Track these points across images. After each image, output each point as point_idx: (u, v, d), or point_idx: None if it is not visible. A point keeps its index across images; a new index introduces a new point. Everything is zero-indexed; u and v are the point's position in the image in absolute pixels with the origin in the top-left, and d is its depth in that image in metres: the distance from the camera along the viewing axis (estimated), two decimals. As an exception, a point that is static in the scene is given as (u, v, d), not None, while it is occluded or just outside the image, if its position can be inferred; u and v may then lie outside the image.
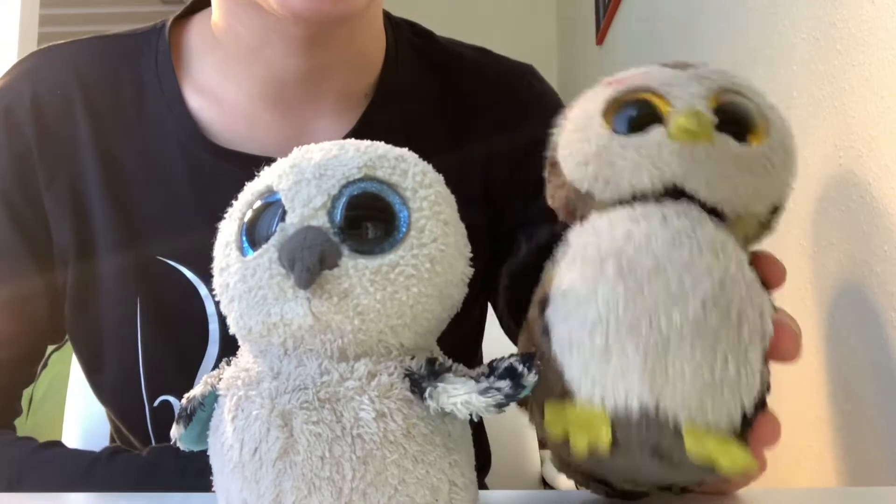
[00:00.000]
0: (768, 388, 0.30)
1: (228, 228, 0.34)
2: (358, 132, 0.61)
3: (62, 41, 0.65)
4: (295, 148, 0.37)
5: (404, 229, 0.30)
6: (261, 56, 0.59)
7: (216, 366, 0.58)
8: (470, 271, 0.33)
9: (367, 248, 0.30)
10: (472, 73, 0.68)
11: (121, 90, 0.62)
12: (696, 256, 0.28)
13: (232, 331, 0.34)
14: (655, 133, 0.29)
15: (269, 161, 0.60)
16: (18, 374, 0.65)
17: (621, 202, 0.30)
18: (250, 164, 0.60)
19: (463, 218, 0.36)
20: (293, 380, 0.30)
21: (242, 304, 0.31)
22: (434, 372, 0.30)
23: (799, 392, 0.87)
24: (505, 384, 0.29)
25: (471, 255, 0.33)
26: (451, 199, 0.33)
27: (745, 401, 0.28)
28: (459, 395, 0.29)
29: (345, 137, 0.60)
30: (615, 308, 0.27)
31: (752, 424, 0.29)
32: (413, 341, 0.31)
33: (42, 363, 0.67)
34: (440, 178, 0.33)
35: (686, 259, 0.28)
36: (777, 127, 0.32)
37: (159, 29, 0.64)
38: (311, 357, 0.31)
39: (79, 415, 0.91)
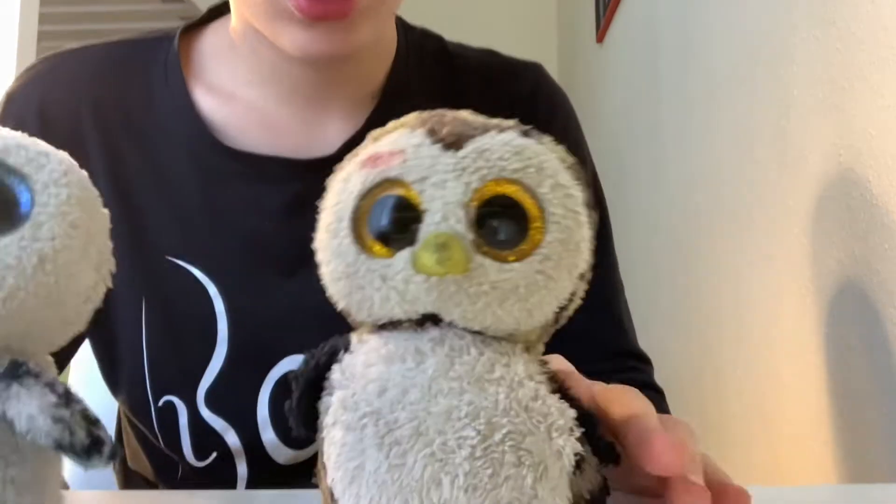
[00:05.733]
0: (604, 488, 0.27)
1: None
2: (365, 132, 0.62)
3: (72, 46, 0.66)
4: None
5: (23, 221, 0.28)
6: (278, 67, 0.61)
7: (224, 368, 0.58)
8: (102, 290, 0.31)
9: None
10: (480, 74, 0.69)
11: (128, 94, 0.63)
12: (456, 400, 0.25)
13: None
14: (401, 260, 0.26)
15: (279, 161, 0.61)
16: None
17: (378, 325, 0.28)
18: (260, 165, 0.61)
19: None
20: None
21: None
22: (14, 374, 0.28)
23: (799, 391, 0.87)
24: (82, 437, 0.27)
25: (112, 272, 0.31)
26: (98, 211, 0.31)
27: None
28: (28, 406, 0.26)
29: (352, 137, 0.61)
30: (385, 486, 0.25)
31: None
32: (4, 339, 0.28)
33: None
34: (89, 187, 0.31)
35: (445, 409, 0.25)
36: (559, 222, 0.27)
37: (171, 37, 0.65)
38: None
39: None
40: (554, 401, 0.26)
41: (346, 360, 0.28)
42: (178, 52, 0.64)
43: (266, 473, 0.60)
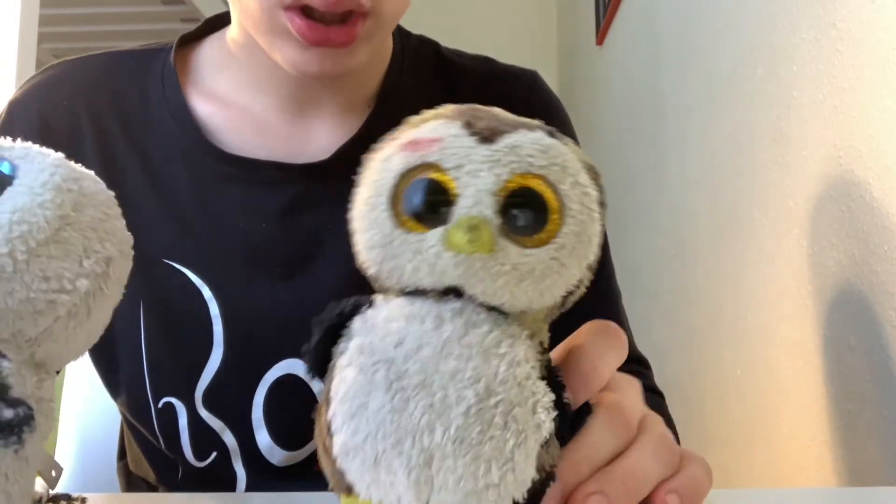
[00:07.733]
0: (550, 473, 0.30)
1: None
2: (360, 138, 0.63)
3: (74, 56, 0.68)
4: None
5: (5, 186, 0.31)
6: (274, 75, 0.62)
7: (221, 370, 0.58)
8: (86, 287, 0.32)
9: None
10: (476, 80, 0.70)
11: (126, 100, 0.64)
12: (463, 364, 0.29)
13: None
14: (434, 236, 0.29)
15: (273, 166, 0.62)
16: None
17: (404, 291, 0.31)
18: (255, 169, 0.62)
19: None
20: None
21: None
22: None
23: (799, 392, 0.87)
24: None
25: (105, 273, 0.32)
26: (89, 206, 0.32)
27: (511, 497, 0.29)
28: None
29: (345, 143, 0.62)
30: (383, 424, 0.28)
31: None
32: None
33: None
34: (80, 183, 0.33)
35: (452, 369, 0.29)
36: (575, 216, 0.30)
37: (168, 47, 0.67)
38: None
39: (76, 414, 0.91)
40: (542, 384, 0.30)
41: (370, 313, 0.31)
42: (175, 60, 0.65)
43: (264, 474, 0.60)
